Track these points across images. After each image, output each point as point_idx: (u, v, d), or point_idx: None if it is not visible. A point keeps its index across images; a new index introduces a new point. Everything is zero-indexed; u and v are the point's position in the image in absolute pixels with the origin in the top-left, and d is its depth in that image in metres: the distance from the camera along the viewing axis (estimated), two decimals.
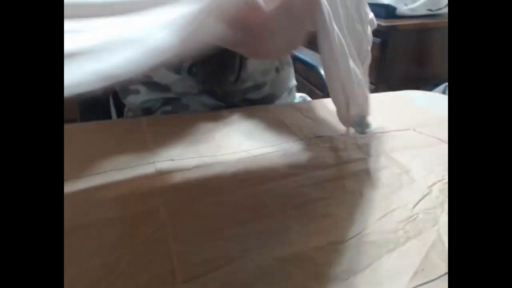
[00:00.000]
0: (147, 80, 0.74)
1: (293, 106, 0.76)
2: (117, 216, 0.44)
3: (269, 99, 0.83)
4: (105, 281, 0.36)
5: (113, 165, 0.54)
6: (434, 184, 0.50)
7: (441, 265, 0.38)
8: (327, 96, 0.85)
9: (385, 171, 0.53)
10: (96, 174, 0.52)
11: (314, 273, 0.37)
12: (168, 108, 0.77)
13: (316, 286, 0.36)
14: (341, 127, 0.65)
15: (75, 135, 0.62)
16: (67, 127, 0.63)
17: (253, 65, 0.78)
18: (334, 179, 0.51)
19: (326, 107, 0.74)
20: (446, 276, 0.37)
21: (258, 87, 0.80)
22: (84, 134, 0.62)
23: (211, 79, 0.75)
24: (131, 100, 0.76)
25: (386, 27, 1.64)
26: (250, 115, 0.70)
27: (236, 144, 0.59)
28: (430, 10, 1.73)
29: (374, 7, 1.76)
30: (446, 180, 0.50)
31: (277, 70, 0.83)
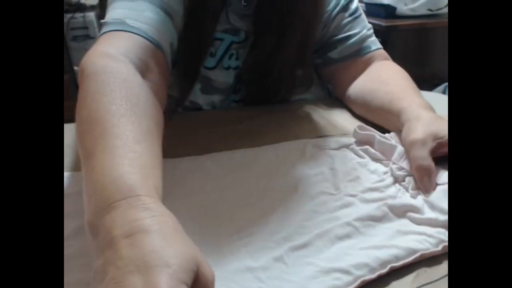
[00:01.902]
0: (193, 106, 0.72)
1: (296, 105, 0.75)
2: None
3: None
4: None
5: None
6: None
7: (443, 266, 0.38)
8: (329, 96, 0.85)
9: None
10: None
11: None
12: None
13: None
14: (342, 128, 0.65)
15: (75, 135, 0.62)
16: (67, 126, 0.63)
17: (304, 93, 0.78)
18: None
19: (329, 107, 0.75)
20: (447, 278, 0.37)
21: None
22: None
23: (253, 99, 0.74)
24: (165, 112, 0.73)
25: (386, 27, 1.64)
26: (254, 114, 0.70)
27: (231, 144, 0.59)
28: (430, 10, 1.73)
29: (374, 7, 1.76)
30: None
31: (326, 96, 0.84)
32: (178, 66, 0.63)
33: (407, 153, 0.50)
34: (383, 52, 0.74)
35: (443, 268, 0.38)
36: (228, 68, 0.71)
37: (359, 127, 0.59)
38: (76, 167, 0.53)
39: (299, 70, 0.74)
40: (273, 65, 0.70)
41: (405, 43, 1.71)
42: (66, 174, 0.51)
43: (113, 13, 0.52)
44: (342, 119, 0.69)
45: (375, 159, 0.55)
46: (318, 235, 0.40)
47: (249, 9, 0.68)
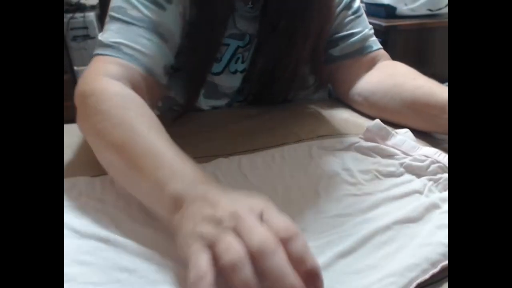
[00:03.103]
0: (194, 107, 0.72)
1: (296, 105, 0.76)
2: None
3: None
4: None
5: None
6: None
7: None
8: (328, 96, 0.85)
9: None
10: (97, 176, 0.52)
11: None
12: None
13: None
14: (342, 127, 0.65)
15: (76, 135, 0.62)
16: (67, 127, 0.63)
17: (311, 95, 0.78)
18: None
19: (329, 107, 0.75)
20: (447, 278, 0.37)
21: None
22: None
23: (257, 99, 0.75)
24: (170, 117, 0.69)
25: (386, 27, 1.63)
26: (254, 114, 0.70)
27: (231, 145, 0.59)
28: (430, 10, 1.73)
29: (374, 7, 1.76)
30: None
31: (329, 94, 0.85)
32: (184, 72, 0.64)
33: None
34: (385, 52, 0.74)
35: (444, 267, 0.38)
36: (235, 72, 0.70)
37: (375, 124, 0.58)
38: (76, 169, 0.53)
39: (304, 69, 0.73)
40: (284, 67, 0.69)
41: (405, 43, 1.70)
42: (66, 180, 0.50)
43: (110, 35, 0.55)
44: (342, 119, 0.69)
45: (386, 156, 0.54)
46: (361, 241, 0.39)
47: (255, 11, 0.67)
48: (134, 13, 0.56)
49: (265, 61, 0.69)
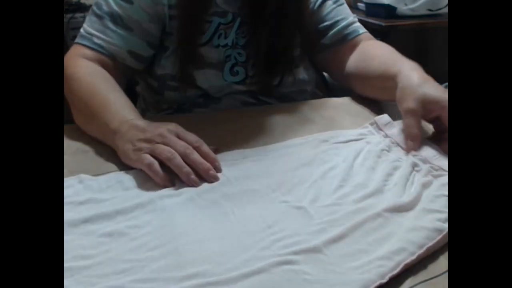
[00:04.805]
0: (189, 81, 0.75)
1: (296, 105, 0.76)
2: None
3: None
4: None
5: (117, 166, 0.54)
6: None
7: (444, 262, 0.39)
8: (327, 96, 0.86)
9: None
10: (98, 175, 0.52)
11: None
12: (202, 105, 0.78)
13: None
14: (341, 126, 0.65)
15: (76, 135, 0.62)
16: (67, 127, 0.63)
17: (304, 74, 0.81)
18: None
19: (328, 107, 0.75)
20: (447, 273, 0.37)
21: (302, 91, 0.82)
22: (85, 135, 0.62)
23: (252, 81, 0.76)
24: (169, 96, 0.77)
25: (386, 27, 1.63)
26: (255, 114, 0.70)
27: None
28: (430, 10, 1.73)
29: (374, 7, 1.76)
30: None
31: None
32: (176, 49, 0.73)
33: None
34: (368, 34, 0.81)
35: (443, 263, 0.38)
36: (218, 46, 0.75)
37: (382, 117, 0.62)
38: (76, 168, 0.53)
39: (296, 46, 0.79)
40: (277, 41, 0.74)
41: (405, 43, 1.70)
42: (66, 179, 0.51)
43: (86, 26, 0.70)
44: (341, 118, 0.69)
45: (383, 149, 0.56)
46: (353, 227, 0.41)
47: None
48: (105, 8, 0.69)
49: (262, 37, 0.74)
